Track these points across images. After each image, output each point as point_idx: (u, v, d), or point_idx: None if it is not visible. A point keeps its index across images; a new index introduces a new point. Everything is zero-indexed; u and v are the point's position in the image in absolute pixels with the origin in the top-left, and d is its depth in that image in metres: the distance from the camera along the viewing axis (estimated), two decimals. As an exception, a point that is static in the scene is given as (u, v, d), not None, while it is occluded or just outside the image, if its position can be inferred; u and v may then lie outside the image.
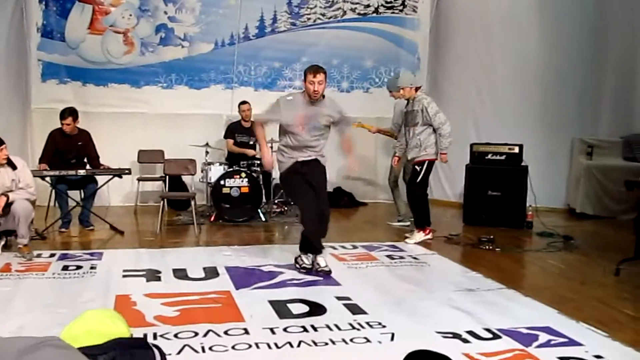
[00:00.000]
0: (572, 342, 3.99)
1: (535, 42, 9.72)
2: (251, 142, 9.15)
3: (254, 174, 8.45)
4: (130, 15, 10.03)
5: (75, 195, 7.84)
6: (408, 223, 8.16)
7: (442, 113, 7.14)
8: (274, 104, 5.94)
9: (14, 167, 6.28)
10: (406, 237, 7.36)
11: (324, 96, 5.85)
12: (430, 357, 1.51)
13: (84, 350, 1.94)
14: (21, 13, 9.40)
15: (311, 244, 5.88)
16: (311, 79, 5.63)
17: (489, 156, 8.61)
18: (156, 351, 2.65)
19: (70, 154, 7.72)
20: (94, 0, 9.87)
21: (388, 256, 6.56)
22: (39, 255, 6.26)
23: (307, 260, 5.89)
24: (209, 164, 8.76)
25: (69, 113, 7.62)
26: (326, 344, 3.89)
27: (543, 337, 4.08)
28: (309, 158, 5.94)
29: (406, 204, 8.00)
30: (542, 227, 8.00)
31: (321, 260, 5.82)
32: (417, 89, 7.34)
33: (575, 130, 9.80)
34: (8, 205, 6.15)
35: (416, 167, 7.28)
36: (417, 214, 7.45)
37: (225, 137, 9.32)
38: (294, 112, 5.78)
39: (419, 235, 7.30)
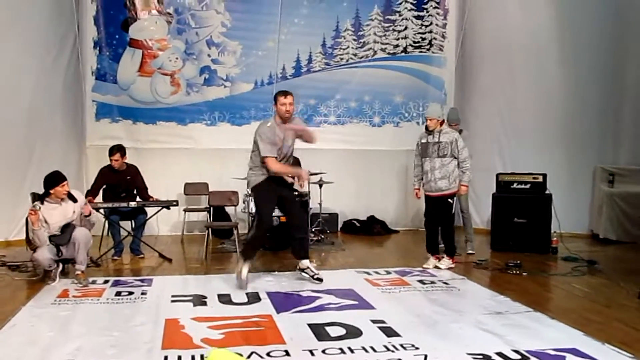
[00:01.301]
0: (598, 363, 3.94)
1: (555, 74, 9.69)
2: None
3: (292, 204, 8.49)
4: (177, 58, 10.22)
5: (126, 225, 7.96)
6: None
7: (467, 148, 7.13)
8: (267, 137, 6.23)
9: (74, 200, 6.44)
10: (426, 265, 7.27)
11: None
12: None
13: None
14: (77, 58, 9.64)
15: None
16: (282, 100, 6.15)
17: (514, 185, 8.56)
18: None
19: (119, 187, 7.84)
20: (144, 45, 10.10)
21: (420, 281, 6.53)
22: (94, 282, 6.36)
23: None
24: (250, 195, 8.82)
25: (117, 150, 7.75)
26: (363, 365, 3.90)
27: (570, 358, 4.02)
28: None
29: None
30: (566, 252, 7.90)
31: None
32: (441, 122, 7.23)
33: (597, 159, 9.71)
34: (70, 232, 6.29)
35: (449, 200, 7.16)
36: (450, 243, 7.32)
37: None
38: (276, 136, 6.21)
39: (449, 262, 7.25)
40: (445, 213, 7.22)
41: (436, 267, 7.20)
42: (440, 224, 7.31)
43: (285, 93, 6.23)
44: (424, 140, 7.27)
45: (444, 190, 7.11)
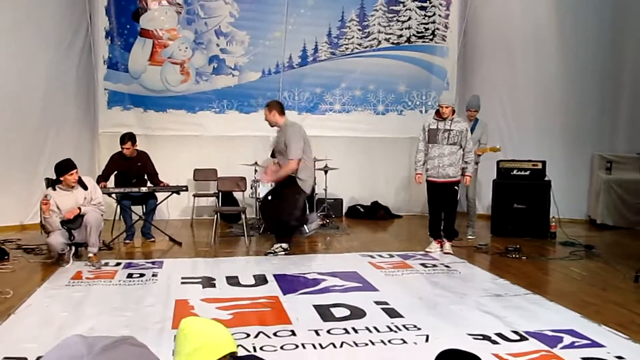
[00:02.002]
0: (594, 344, 3.94)
1: (555, 65, 9.65)
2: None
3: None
4: (187, 48, 10.21)
5: (137, 210, 7.97)
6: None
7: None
8: (300, 135, 6.95)
9: (85, 187, 6.45)
10: (429, 249, 7.28)
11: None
12: (460, 356, 1.50)
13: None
14: (90, 48, 9.64)
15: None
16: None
17: (515, 172, 8.53)
18: None
19: (130, 174, 7.85)
20: (154, 35, 10.08)
21: (422, 264, 6.53)
22: (106, 264, 6.38)
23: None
24: (258, 181, 8.84)
25: (128, 138, 7.74)
26: (366, 344, 3.90)
27: (567, 339, 4.03)
28: None
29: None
30: (564, 237, 7.90)
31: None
32: (453, 111, 7.07)
33: (595, 147, 9.69)
34: (81, 216, 6.32)
35: (455, 187, 7.13)
36: (452, 228, 7.30)
37: (272, 156, 9.39)
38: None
39: (449, 246, 7.26)
40: (452, 199, 7.19)
41: (447, 252, 7.13)
42: (444, 210, 7.25)
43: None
44: (433, 127, 7.06)
45: (452, 177, 7.03)
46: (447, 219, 7.28)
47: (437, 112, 7.10)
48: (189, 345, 1.70)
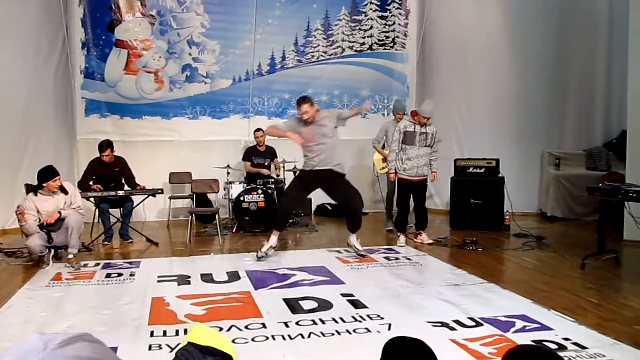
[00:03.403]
0: (544, 328, 4.02)
1: (507, 69, 9.76)
2: (266, 163, 9.21)
3: (269, 190, 8.48)
4: (160, 57, 10.12)
5: (115, 212, 7.88)
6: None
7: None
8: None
9: (65, 192, 6.38)
10: (400, 243, 7.36)
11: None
12: (406, 343, 1.52)
13: (196, 346, 1.83)
14: (67, 58, 9.50)
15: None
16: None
17: (471, 169, 8.63)
18: None
19: (109, 178, 7.74)
20: (129, 45, 9.97)
21: (386, 257, 6.58)
22: (85, 265, 6.32)
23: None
24: (230, 182, 8.81)
25: (107, 145, 7.66)
26: (332, 334, 3.93)
27: (519, 324, 4.10)
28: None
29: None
30: (517, 229, 7.99)
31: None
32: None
33: (544, 145, 9.84)
34: (61, 219, 6.25)
35: (426, 183, 7.41)
36: (425, 219, 7.57)
37: (244, 159, 9.37)
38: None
39: (426, 236, 7.50)
40: (424, 194, 7.45)
41: (422, 243, 7.40)
42: (417, 203, 7.47)
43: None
44: (410, 129, 7.20)
45: (426, 174, 7.33)
46: (421, 211, 7.50)
47: (413, 114, 7.37)
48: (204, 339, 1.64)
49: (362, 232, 7.05)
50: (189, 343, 1.47)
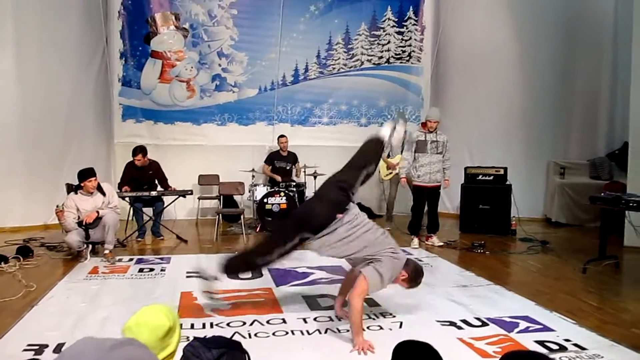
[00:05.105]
0: (546, 329, 4.00)
1: (515, 83, 9.70)
2: (287, 168, 9.26)
3: (291, 193, 8.52)
4: (192, 67, 10.21)
5: (148, 211, 7.98)
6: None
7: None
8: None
9: (103, 193, 6.48)
10: (414, 245, 7.37)
11: None
12: (414, 347, 1.55)
13: (200, 340, 1.84)
14: (106, 67, 9.64)
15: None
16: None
17: (480, 177, 8.60)
18: (246, 357, 2.63)
19: (143, 180, 7.84)
20: (163, 56, 10.08)
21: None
22: (120, 260, 6.39)
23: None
24: (255, 185, 8.86)
25: (139, 150, 7.76)
26: (347, 330, 3.92)
27: (523, 325, 4.09)
28: None
29: None
30: (523, 233, 7.96)
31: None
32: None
33: (550, 155, 9.76)
34: (99, 218, 6.35)
35: (439, 190, 7.42)
36: (437, 222, 7.58)
37: (265, 162, 9.45)
38: None
39: (437, 239, 7.52)
40: (437, 200, 7.47)
41: (433, 245, 7.42)
42: (430, 208, 7.47)
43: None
44: (421, 138, 7.26)
45: (439, 181, 7.31)
46: (433, 216, 7.50)
47: (424, 125, 7.32)
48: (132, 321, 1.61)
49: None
50: (195, 338, 1.50)
